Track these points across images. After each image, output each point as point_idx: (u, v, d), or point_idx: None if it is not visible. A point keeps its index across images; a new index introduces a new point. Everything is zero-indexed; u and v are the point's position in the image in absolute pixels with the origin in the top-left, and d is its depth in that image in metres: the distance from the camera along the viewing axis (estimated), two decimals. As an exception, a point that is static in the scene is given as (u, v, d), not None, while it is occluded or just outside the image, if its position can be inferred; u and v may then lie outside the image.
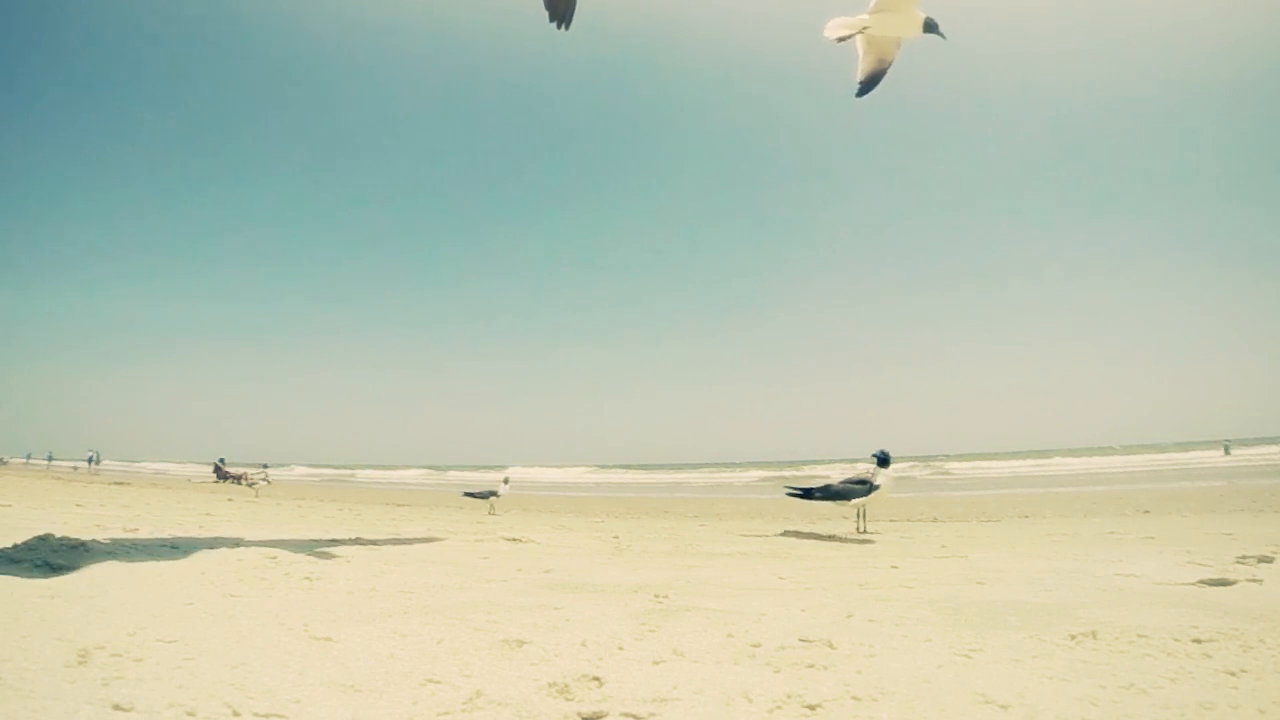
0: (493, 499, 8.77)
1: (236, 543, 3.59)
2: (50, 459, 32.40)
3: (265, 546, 3.44)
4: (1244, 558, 2.87)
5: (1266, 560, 2.78)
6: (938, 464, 26.58)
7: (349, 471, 37.05)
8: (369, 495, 13.99)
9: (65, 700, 1.17)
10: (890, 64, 4.56)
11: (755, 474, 26.63)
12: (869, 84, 4.62)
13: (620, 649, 1.59)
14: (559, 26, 3.94)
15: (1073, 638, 1.62)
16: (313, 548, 3.54)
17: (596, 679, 1.36)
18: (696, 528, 6.10)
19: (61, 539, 2.80)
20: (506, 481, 8.86)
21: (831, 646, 1.58)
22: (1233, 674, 1.35)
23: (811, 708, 1.21)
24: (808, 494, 5.79)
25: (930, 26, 4.26)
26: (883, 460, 5.57)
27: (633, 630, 1.76)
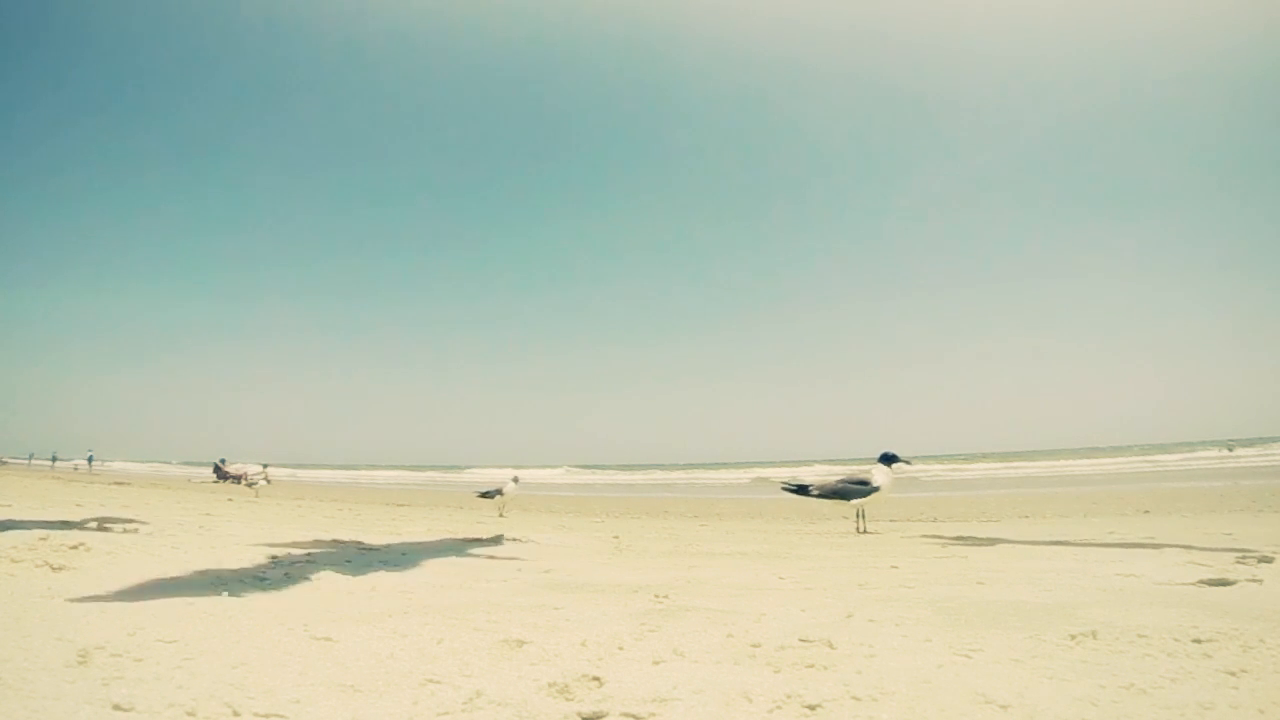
0: (499, 498, 8.36)
1: (237, 543, 3.59)
2: (54, 459, 32.33)
3: (265, 546, 3.44)
4: (1244, 558, 2.87)
5: (1266, 560, 2.78)
6: (938, 464, 26.55)
7: (328, 472, 36.91)
8: (368, 495, 13.99)
9: (65, 700, 1.17)
10: None
11: (750, 474, 26.60)
12: None
13: (620, 649, 1.59)
14: None
15: (1073, 638, 1.62)
16: (313, 547, 3.54)
17: (596, 679, 1.36)
18: (696, 528, 6.10)
19: (61, 539, 2.80)
20: (516, 480, 8.43)
21: (831, 646, 1.58)
22: (1233, 674, 1.35)
23: (811, 708, 1.21)
24: (802, 490, 5.80)
25: None
26: (886, 460, 5.58)
27: (633, 630, 1.76)
